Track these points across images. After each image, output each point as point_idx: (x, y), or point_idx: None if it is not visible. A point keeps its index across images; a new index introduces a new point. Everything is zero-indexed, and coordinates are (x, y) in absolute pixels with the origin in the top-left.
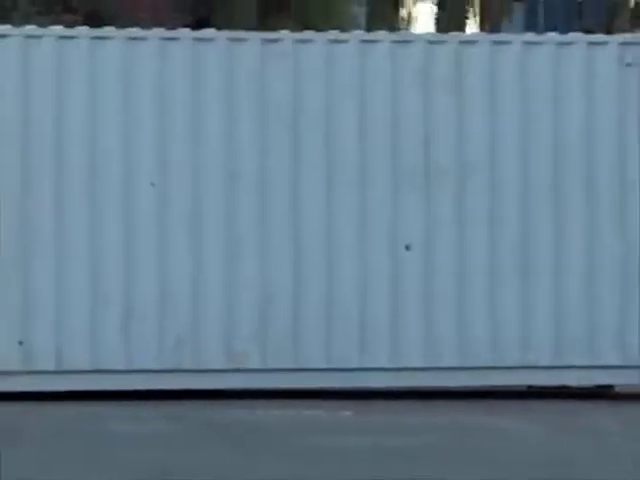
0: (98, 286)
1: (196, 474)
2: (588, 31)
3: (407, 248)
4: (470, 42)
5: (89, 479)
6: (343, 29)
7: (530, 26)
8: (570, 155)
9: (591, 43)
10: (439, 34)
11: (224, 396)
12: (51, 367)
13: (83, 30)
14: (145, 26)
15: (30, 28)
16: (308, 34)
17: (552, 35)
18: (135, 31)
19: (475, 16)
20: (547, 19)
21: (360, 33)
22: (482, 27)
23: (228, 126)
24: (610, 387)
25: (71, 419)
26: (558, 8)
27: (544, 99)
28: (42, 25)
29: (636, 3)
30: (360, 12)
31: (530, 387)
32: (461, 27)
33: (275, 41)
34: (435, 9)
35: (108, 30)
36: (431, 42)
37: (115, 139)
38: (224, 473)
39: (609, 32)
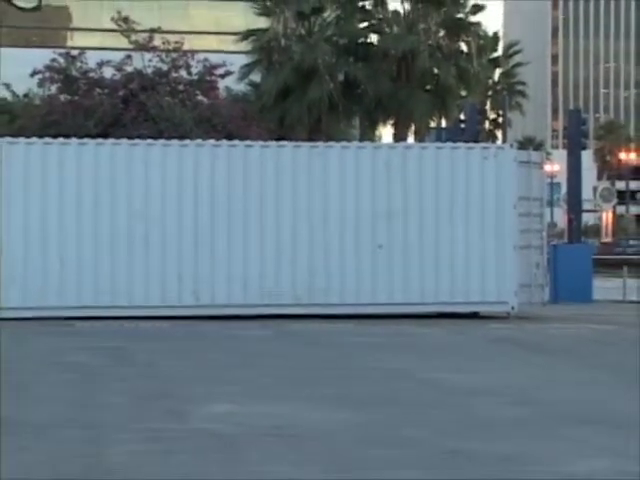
0: (232, 266)
1: (278, 355)
2: (466, 141)
3: (380, 247)
4: (409, 147)
5: (224, 358)
6: (348, 141)
7: (439, 139)
8: (455, 200)
9: (468, 148)
10: (394, 143)
11: (291, 317)
12: (208, 302)
13: (225, 142)
14: (253, 139)
15: (198, 141)
16: (331, 143)
17: (449, 144)
18: (248, 142)
19: (411, 135)
20: (447, 136)
21: (356, 143)
22: (415, 139)
23: (293, 189)
24: (477, 313)
25: (207, 327)
26: (452, 131)
27: (445, 176)
28: (204, 139)
29: (489, 130)
30: (356, 133)
31: (439, 314)
32: (405, 139)
33: (316, 147)
34: (392, 131)
35: (235, 142)
36: (390, 147)
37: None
38: (293, 353)
39: (476, 142)
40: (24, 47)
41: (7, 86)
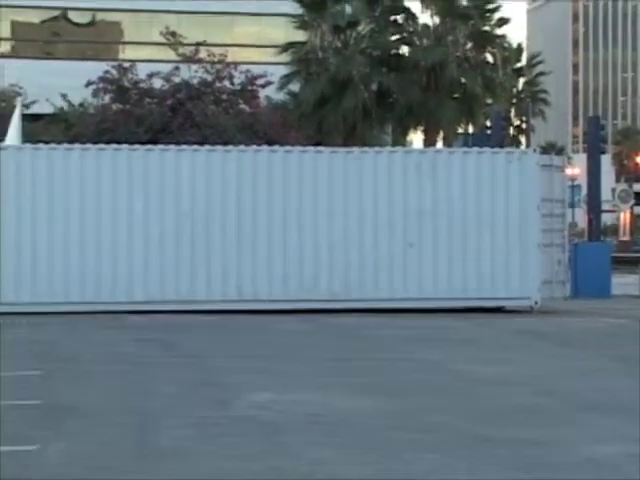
0: (273, 263)
1: (316, 346)
2: (492, 146)
3: (411, 245)
4: (438, 152)
5: (266, 350)
6: (381, 146)
7: (466, 145)
8: (481, 201)
9: (493, 152)
10: (424, 148)
11: (328, 312)
12: (250, 297)
13: (266, 147)
14: (292, 145)
15: (240, 147)
16: (366, 149)
17: (475, 148)
18: (288, 148)
19: (440, 140)
20: (474, 142)
21: (389, 148)
22: (444, 145)
23: (330, 191)
24: (502, 307)
25: (250, 321)
26: (479, 137)
27: (472, 178)
28: (246, 144)
29: (513, 135)
30: (388, 139)
31: (467, 308)
32: (434, 145)
33: (351, 152)
34: (422, 137)
35: (275, 147)
36: (420, 152)
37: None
38: (330, 345)
39: (501, 147)
40: (79, 60)
41: (64, 96)
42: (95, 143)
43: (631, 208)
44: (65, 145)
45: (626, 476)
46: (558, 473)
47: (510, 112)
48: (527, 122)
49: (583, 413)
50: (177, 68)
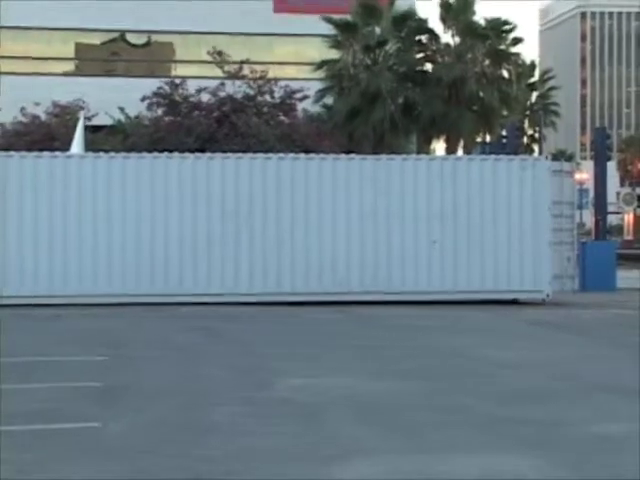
0: (309, 259)
1: (348, 335)
2: (507, 154)
3: (434, 242)
4: (459, 159)
5: (303, 338)
6: (407, 154)
7: (483, 152)
8: (498, 203)
9: (509, 159)
10: (446, 155)
11: (358, 304)
12: (289, 290)
13: (302, 155)
14: (326, 152)
15: (280, 154)
16: (393, 156)
17: (492, 156)
18: (323, 155)
19: (460, 148)
20: (491, 150)
21: (414, 155)
22: (464, 152)
23: (360, 194)
24: (516, 300)
25: (288, 312)
26: (495, 146)
27: (489, 183)
28: (285, 153)
29: (527, 144)
30: (414, 147)
31: (484, 300)
32: (455, 153)
33: (379, 159)
34: (444, 146)
35: (312, 155)
36: (443, 159)
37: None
38: (355, 333)
39: (516, 154)
40: (136, 77)
41: (121, 110)
42: (149, 152)
43: (634, 210)
44: (123, 154)
45: (630, 451)
46: (568, 447)
47: (524, 123)
48: (539, 132)
49: (594, 395)
50: (223, 84)
